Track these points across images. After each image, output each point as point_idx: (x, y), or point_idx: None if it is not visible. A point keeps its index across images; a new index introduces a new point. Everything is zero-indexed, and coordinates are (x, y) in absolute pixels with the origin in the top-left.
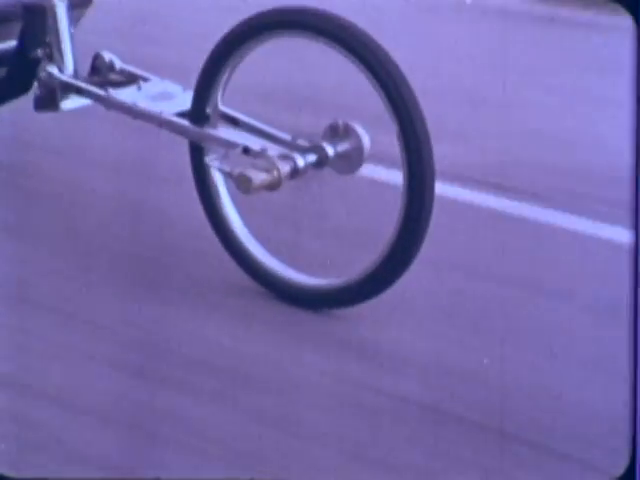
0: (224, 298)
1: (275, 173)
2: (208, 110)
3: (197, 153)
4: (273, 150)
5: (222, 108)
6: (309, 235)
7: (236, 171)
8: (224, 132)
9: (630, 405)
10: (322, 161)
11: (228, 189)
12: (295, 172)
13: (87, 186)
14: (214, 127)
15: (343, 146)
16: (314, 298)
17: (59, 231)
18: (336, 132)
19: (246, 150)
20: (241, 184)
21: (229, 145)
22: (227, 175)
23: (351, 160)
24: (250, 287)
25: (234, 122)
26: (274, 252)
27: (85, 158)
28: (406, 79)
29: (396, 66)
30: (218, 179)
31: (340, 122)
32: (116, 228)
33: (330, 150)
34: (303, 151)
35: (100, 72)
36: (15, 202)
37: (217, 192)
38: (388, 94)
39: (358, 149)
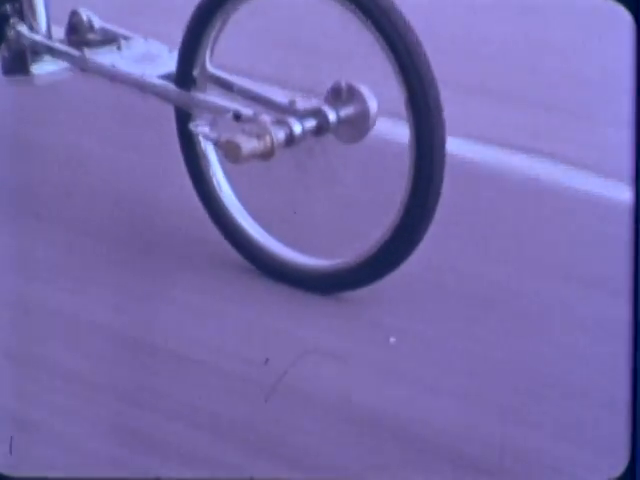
0: (215, 279)
1: (268, 140)
2: (195, 72)
3: (184, 120)
4: (267, 115)
5: (211, 69)
6: (310, 209)
7: (223, 138)
8: (213, 96)
9: (630, 405)
10: (322, 127)
11: (219, 159)
12: (291, 139)
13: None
14: (202, 91)
15: (347, 111)
16: (313, 280)
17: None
18: (339, 95)
19: (237, 115)
20: (229, 152)
21: (218, 110)
22: (213, 142)
23: (356, 126)
24: (242, 265)
25: (225, 85)
26: (270, 229)
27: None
28: (415, 33)
29: (402, 16)
30: (207, 148)
31: (343, 83)
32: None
33: (332, 115)
34: (301, 116)
35: (77, 31)
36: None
37: (207, 162)
38: (393, 49)
39: (363, 114)
